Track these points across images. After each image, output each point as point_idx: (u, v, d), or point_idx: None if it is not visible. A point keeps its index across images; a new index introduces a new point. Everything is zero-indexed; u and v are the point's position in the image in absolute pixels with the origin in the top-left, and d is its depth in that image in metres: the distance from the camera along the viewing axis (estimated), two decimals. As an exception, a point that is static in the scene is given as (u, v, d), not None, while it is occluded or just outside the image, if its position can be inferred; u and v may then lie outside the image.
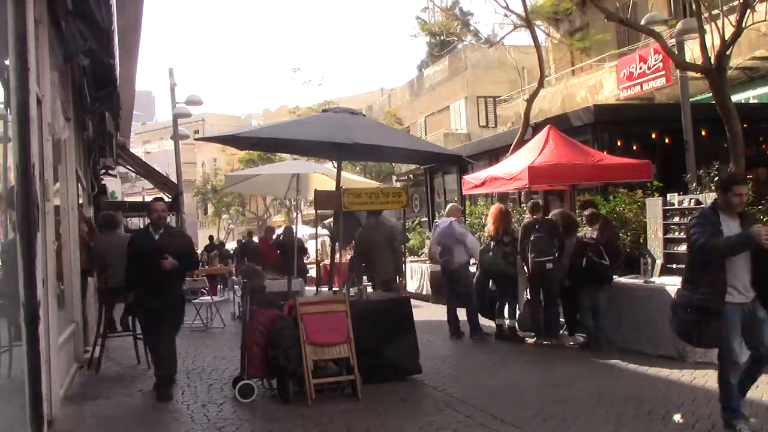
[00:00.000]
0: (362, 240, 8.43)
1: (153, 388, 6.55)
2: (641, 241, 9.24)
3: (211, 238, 25.38)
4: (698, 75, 11.67)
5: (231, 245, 27.45)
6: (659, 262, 8.02)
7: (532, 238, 8.42)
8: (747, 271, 4.62)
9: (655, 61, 15.85)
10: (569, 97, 19.76)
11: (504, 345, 8.66)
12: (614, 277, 8.03)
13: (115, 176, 18.80)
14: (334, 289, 8.02)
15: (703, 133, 12.36)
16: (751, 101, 14.41)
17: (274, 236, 14.81)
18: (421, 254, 15.74)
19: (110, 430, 5.46)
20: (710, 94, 11.51)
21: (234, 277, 13.83)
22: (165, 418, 5.82)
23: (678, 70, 12.11)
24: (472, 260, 9.59)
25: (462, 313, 9.40)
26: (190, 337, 10.58)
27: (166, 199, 11.45)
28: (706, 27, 10.81)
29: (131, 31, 7.40)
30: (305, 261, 15.19)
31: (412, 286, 13.59)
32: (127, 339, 8.38)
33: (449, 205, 10.86)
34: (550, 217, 8.86)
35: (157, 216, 6.64)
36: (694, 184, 9.77)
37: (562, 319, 8.72)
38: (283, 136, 7.91)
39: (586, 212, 8.45)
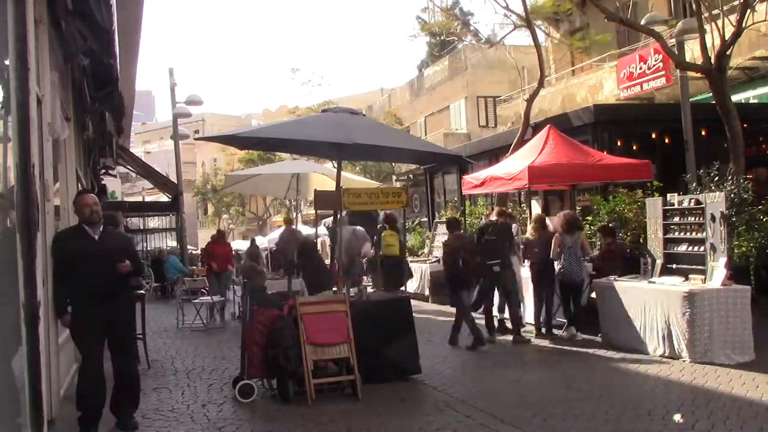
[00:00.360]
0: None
1: (116, 417, 5.44)
2: (641, 241, 9.24)
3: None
4: (698, 75, 11.68)
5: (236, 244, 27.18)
6: (659, 262, 8.03)
7: (483, 241, 8.94)
8: None
9: (655, 61, 15.84)
10: (569, 97, 19.76)
11: (504, 345, 8.67)
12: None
13: (115, 176, 18.80)
14: (333, 289, 8.02)
15: (703, 133, 12.35)
16: (751, 101, 14.40)
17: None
18: (421, 254, 15.74)
19: (110, 430, 5.45)
20: (710, 94, 11.52)
21: (234, 277, 13.81)
22: (165, 417, 5.82)
23: (678, 70, 12.10)
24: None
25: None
26: (190, 337, 10.59)
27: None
28: (706, 27, 10.82)
29: (131, 31, 7.40)
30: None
31: (411, 286, 13.57)
32: (127, 339, 8.36)
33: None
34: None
35: (90, 212, 5.26)
36: (694, 184, 9.77)
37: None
38: (283, 136, 7.91)
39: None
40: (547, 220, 9.98)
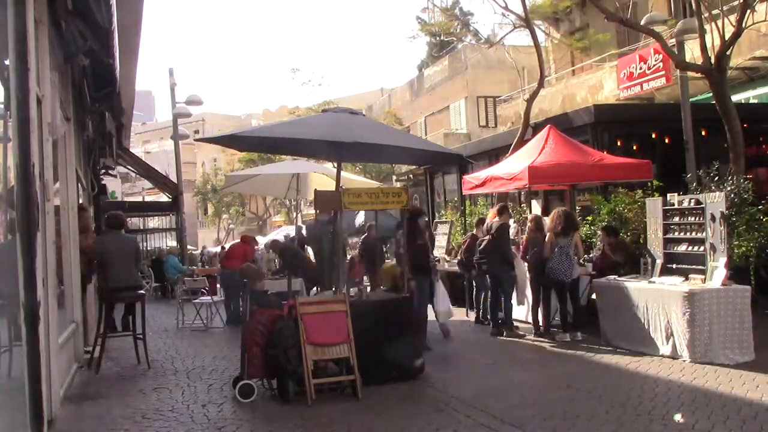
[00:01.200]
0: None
1: None
2: (641, 241, 9.24)
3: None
4: (698, 75, 11.68)
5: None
6: (659, 262, 8.03)
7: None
8: None
9: (655, 61, 15.84)
10: (569, 97, 19.76)
11: (504, 345, 8.67)
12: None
13: (115, 176, 18.80)
14: (333, 288, 8.02)
15: (703, 133, 12.36)
16: (751, 101, 14.40)
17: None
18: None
19: (110, 430, 5.45)
20: (710, 94, 11.52)
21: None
22: (165, 418, 5.82)
23: (678, 70, 12.10)
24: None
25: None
26: (190, 337, 10.59)
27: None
28: (706, 27, 10.82)
29: (131, 31, 7.40)
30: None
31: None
32: (127, 339, 8.38)
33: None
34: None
35: None
36: (694, 184, 9.77)
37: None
38: (283, 136, 7.91)
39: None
40: (546, 220, 9.98)
